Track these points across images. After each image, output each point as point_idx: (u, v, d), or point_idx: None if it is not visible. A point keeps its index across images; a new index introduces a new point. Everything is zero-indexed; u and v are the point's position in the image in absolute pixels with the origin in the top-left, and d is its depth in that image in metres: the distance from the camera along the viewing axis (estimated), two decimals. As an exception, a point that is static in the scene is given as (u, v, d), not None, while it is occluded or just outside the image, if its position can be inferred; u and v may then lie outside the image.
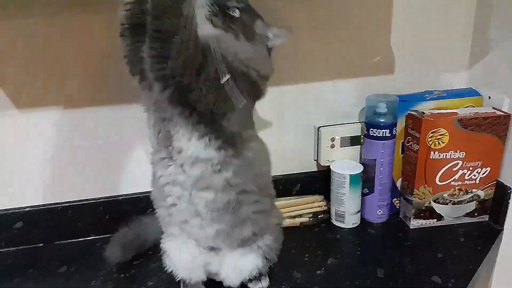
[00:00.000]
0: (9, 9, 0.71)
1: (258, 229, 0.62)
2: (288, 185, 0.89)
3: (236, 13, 0.55)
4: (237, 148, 0.56)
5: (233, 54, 0.53)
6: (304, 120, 0.87)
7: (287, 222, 0.83)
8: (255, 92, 0.58)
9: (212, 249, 0.63)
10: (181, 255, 0.64)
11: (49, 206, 0.82)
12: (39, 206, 0.82)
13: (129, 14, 0.54)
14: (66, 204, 0.83)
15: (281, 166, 0.88)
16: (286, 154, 0.88)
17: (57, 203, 0.83)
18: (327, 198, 0.86)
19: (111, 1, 0.72)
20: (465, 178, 0.79)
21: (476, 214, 0.82)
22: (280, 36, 0.60)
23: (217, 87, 0.51)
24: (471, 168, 0.78)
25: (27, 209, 0.82)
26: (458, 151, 0.77)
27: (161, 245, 0.67)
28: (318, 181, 0.90)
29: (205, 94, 0.51)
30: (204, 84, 0.51)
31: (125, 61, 0.57)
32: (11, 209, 0.82)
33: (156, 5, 0.48)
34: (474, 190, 0.80)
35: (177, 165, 0.56)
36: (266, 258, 0.65)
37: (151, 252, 0.76)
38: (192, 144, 0.54)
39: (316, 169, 0.91)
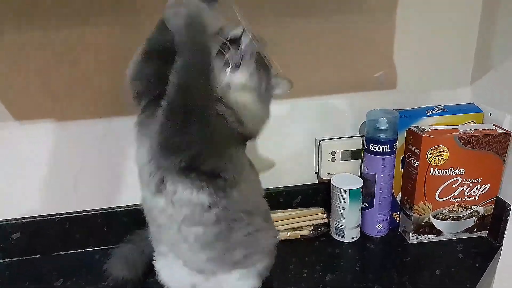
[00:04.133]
0: (6, 23, 0.70)
1: (251, 250, 0.61)
2: (289, 197, 0.89)
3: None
4: (228, 189, 0.56)
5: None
6: (305, 133, 0.87)
7: (287, 235, 0.83)
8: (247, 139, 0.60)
9: (201, 271, 0.62)
10: (170, 274, 0.64)
11: (47, 217, 0.81)
12: (36, 217, 0.81)
13: (160, 40, 0.51)
14: (64, 215, 0.82)
15: (282, 178, 0.88)
16: (287, 166, 0.88)
17: (55, 214, 0.82)
18: (328, 210, 0.86)
19: (113, 15, 0.72)
20: (465, 194, 0.79)
21: (475, 230, 0.82)
22: (282, 88, 0.63)
23: (224, 150, 0.54)
24: (470, 185, 0.78)
25: (24, 220, 0.81)
26: (458, 168, 0.77)
27: (153, 262, 0.66)
28: (319, 194, 0.90)
29: (215, 159, 0.52)
30: (216, 151, 0.52)
31: (133, 84, 0.55)
32: (8, 219, 0.81)
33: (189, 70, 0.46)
34: (473, 206, 0.80)
35: (168, 200, 0.55)
36: (261, 277, 0.64)
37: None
38: (186, 190, 0.53)
39: (317, 182, 0.91)
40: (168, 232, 0.58)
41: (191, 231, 0.56)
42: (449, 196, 0.79)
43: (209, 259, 0.59)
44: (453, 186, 0.78)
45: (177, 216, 0.55)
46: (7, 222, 0.80)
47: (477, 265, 0.75)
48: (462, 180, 0.78)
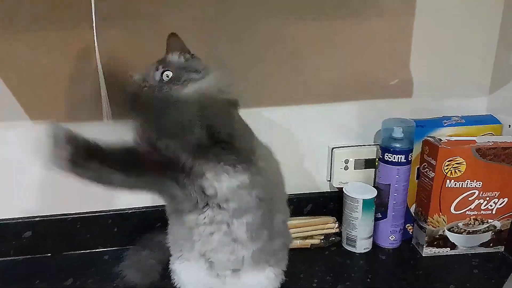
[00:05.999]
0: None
1: (285, 239, 0.66)
2: (300, 205, 0.88)
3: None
4: (254, 162, 0.58)
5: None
6: (318, 140, 0.86)
7: (298, 244, 0.82)
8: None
9: (218, 276, 0.63)
10: (190, 276, 0.64)
11: (59, 217, 0.82)
12: (48, 216, 0.82)
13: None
14: (75, 216, 0.83)
15: (293, 185, 0.86)
16: (299, 173, 0.87)
17: (67, 214, 0.83)
18: (339, 219, 0.85)
19: (108, 19, 0.71)
20: (481, 208, 0.77)
21: (491, 245, 0.80)
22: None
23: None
24: (487, 198, 0.76)
25: (36, 219, 0.82)
26: (475, 181, 0.75)
27: (171, 265, 0.67)
28: (331, 202, 0.88)
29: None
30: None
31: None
32: (20, 218, 0.81)
33: None
34: (490, 220, 0.78)
35: (214, 207, 0.57)
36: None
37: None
38: (223, 183, 0.56)
39: (328, 190, 0.89)
40: (211, 240, 0.59)
41: (242, 223, 0.58)
42: (465, 209, 0.77)
43: (254, 253, 0.60)
44: (470, 199, 0.76)
45: (226, 215, 0.57)
46: (20, 220, 0.81)
47: (492, 281, 0.73)
48: (479, 193, 0.76)
